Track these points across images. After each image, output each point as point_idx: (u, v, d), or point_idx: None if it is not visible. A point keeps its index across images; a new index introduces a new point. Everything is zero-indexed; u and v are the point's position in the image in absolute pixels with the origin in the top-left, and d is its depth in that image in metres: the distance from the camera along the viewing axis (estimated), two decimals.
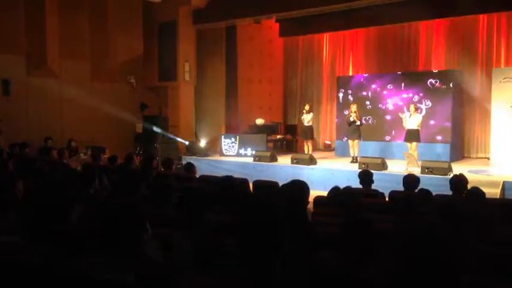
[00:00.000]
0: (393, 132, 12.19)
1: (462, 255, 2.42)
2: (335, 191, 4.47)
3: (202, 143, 13.43)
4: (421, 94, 11.84)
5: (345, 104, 12.81)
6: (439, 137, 11.53)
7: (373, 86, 12.65)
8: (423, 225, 1.80)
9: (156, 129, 12.33)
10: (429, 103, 11.70)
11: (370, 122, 12.50)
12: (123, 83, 13.13)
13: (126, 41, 13.25)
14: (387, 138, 12.33)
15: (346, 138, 11.83)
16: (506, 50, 11.78)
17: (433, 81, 11.73)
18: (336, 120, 13.64)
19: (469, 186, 5.22)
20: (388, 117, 12.39)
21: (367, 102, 12.61)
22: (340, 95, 13.22)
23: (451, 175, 7.48)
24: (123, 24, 13.17)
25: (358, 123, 10.97)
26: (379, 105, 12.53)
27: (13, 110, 11.06)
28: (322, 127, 15.05)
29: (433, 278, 1.67)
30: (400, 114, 10.72)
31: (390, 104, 12.37)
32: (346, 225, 2.52)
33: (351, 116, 11.12)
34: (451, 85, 11.50)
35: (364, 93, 12.74)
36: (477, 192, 4.53)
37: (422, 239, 1.74)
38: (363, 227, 2.46)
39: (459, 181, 5.32)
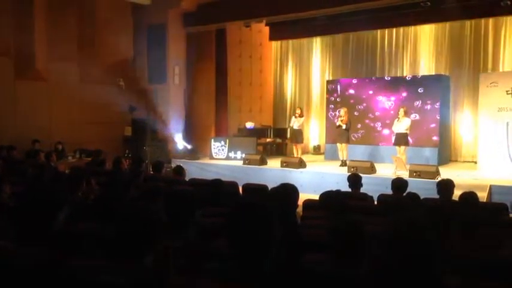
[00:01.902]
0: (381, 136, 12.26)
1: (446, 256, 2.44)
2: (326, 195, 4.49)
3: (192, 146, 13.39)
4: (409, 98, 11.93)
5: (334, 108, 12.88)
6: (427, 141, 11.62)
7: (362, 90, 12.72)
8: (406, 224, 1.82)
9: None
10: (418, 107, 11.79)
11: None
12: (112, 85, 13.03)
13: (115, 43, 13.15)
14: (378, 141, 12.39)
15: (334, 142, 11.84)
16: (492, 55, 11.92)
17: (422, 85, 11.83)
18: (325, 123, 13.70)
19: (455, 190, 5.28)
20: (377, 121, 12.47)
21: (356, 106, 12.67)
22: (329, 98, 13.29)
23: (439, 179, 7.55)
24: (113, 26, 13.09)
25: (344, 127, 11.03)
26: (368, 110, 12.60)
27: (0, 112, 10.94)
28: (311, 131, 15.10)
29: (415, 276, 1.70)
30: (396, 120, 10.66)
31: (379, 108, 12.45)
32: (334, 227, 2.53)
33: (338, 120, 11.19)
34: (439, 89, 11.60)
35: (354, 97, 12.80)
36: (472, 196, 4.56)
37: (405, 237, 1.76)
38: (351, 229, 2.47)
39: (445, 185, 5.37)
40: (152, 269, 2.02)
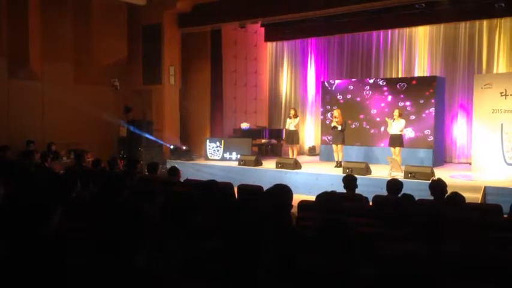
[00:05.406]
0: (376, 138, 12.29)
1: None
2: (323, 196, 4.47)
3: (187, 147, 13.37)
4: (405, 100, 11.97)
5: (329, 109, 12.90)
6: (422, 142, 11.65)
7: (358, 91, 12.74)
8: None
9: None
10: (413, 108, 11.83)
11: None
12: (106, 86, 13.00)
13: (110, 43, 13.13)
14: (373, 143, 12.42)
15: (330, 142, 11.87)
16: (487, 56, 11.97)
17: (417, 87, 11.87)
18: (320, 125, 13.72)
19: (449, 191, 5.29)
20: (372, 122, 12.50)
21: (351, 108, 12.68)
22: (325, 99, 13.31)
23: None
24: (108, 26, 13.06)
25: (339, 128, 11.05)
26: (363, 111, 12.63)
27: None
28: (306, 132, 15.12)
29: None
30: (387, 119, 10.77)
31: (373, 109, 12.48)
32: (326, 227, 2.53)
33: (333, 121, 11.23)
34: (434, 91, 11.65)
35: (348, 98, 12.82)
36: (457, 197, 4.58)
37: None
38: (342, 229, 2.47)
39: (437, 185, 5.39)
40: (143, 269, 2.01)
